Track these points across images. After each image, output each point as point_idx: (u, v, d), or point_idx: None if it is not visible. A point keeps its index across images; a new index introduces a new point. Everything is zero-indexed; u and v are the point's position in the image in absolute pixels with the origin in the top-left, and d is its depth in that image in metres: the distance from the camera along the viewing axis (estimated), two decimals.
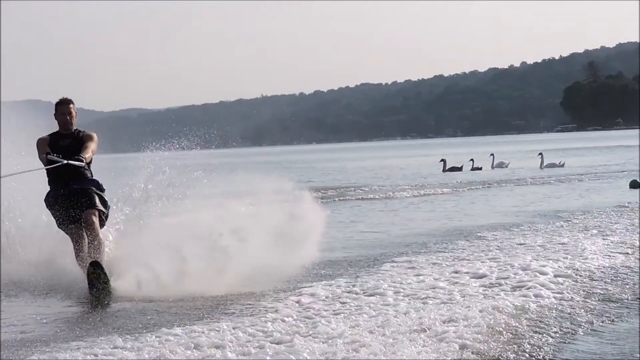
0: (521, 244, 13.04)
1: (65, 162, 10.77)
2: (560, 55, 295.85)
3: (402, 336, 7.17)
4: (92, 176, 11.39)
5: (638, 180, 24.49)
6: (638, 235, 13.57)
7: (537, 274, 10.15)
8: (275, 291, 9.72)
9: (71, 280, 10.96)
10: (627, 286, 9.86)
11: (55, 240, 11.84)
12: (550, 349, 7.24)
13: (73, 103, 11.49)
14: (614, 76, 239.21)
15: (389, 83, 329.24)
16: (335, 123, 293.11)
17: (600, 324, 8.19)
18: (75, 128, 11.43)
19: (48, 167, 10.82)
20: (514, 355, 6.99)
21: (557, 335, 7.72)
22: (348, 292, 9.37)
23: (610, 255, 11.76)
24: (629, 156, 47.69)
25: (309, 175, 44.18)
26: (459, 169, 40.93)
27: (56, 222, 11.29)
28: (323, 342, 7.10)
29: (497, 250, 12.40)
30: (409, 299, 8.95)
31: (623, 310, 8.71)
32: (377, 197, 26.12)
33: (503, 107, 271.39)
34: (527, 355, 7.04)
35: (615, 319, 8.37)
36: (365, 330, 7.46)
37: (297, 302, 8.95)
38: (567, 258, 11.36)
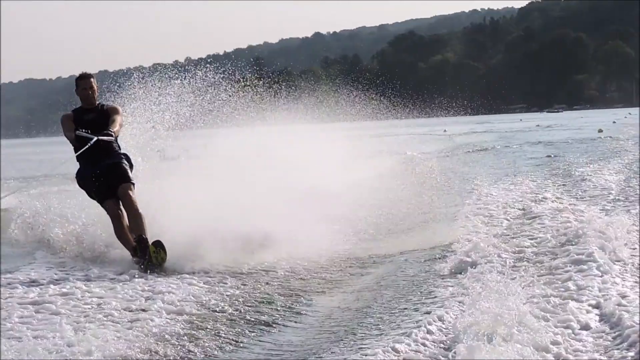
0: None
1: (95, 138, 10.89)
2: (225, 51, 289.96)
3: None
4: (119, 149, 11.49)
5: None
6: None
7: None
8: None
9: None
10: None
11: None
12: None
13: (93, 77, 11.75)
14: (279, 72, 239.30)
15: (54, 79, 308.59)
16: None
17: None
18: (98, 102, 11.64)
19: (80, 150, 10.90)
20: None
21: None
22: None
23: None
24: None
25: None
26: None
27: (89, 195, 11.52)
28: None
29: None
30: None
31: None
32: None
33: None
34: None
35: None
36: None
37: None
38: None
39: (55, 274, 10.64)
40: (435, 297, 8.76)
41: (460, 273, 9.72)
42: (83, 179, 11.46)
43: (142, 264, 10.55)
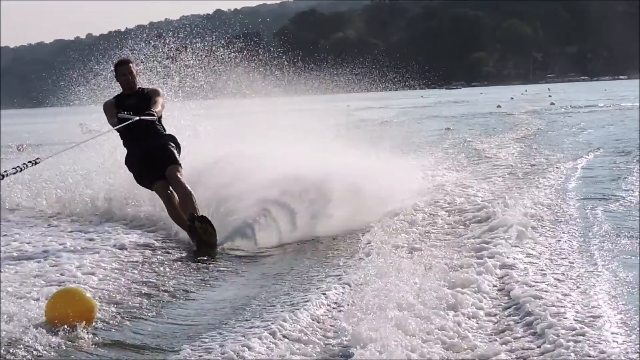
0: None
1: (137, 118, 10.72)
2: (127, 28, 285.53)
3: None
4: (165, 131, 11.43)
5: None
6: None
7: None
8: None
9: None
10: None
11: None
12: None
13: (132, 62, 11.67)
14: (183, 48, 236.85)
15: None
16: None
17: None
18: (138, 86, 11.52)
19: (120, 126, 10.63)
20: None
21: None
22: None
23: None
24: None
25: None
26: None
27: (138, 180, 11.45)
28: None
29: None
30: None
31: None
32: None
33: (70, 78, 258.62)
34: None
35: None
36: None
37: None
38: None
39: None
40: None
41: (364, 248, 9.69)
42: (131, 162, 11.40)
43: (195, 243, 10.56)
